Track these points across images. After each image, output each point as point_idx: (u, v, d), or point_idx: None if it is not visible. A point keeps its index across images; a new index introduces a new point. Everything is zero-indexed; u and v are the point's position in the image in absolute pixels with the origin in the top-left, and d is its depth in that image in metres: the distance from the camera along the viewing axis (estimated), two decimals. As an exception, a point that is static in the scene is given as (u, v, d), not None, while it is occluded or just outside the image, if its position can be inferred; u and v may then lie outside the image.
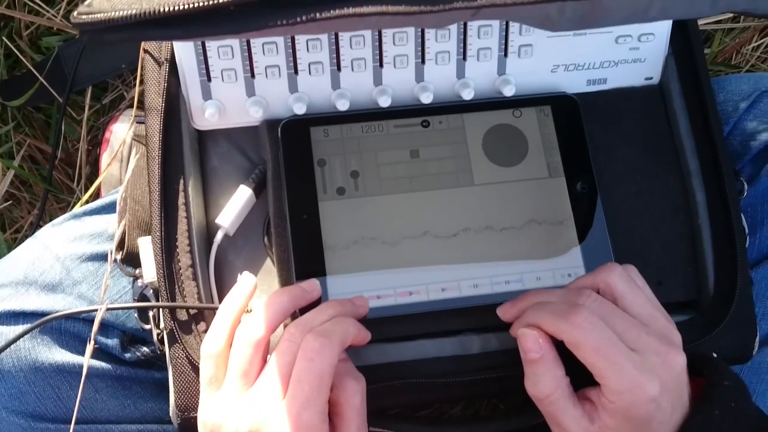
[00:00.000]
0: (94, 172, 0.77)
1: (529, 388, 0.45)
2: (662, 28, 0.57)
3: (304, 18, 0.27)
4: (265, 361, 0.44)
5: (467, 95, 0.55)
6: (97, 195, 0.67)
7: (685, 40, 0.57)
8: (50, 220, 0.79)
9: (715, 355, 0.48)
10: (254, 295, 0.51)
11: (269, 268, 0.53)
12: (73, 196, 0.78)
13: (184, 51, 0.52)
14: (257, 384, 0.43)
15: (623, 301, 0.46)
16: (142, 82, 0.53)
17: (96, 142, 0.77)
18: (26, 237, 0.77)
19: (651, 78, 0.58)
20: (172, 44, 0.53)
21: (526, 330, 0.45)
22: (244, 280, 0.48)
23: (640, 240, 0.55)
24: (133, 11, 0.27)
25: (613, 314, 0.45)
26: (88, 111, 0.75)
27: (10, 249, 0.76)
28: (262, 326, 0.44)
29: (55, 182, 0.78)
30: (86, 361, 0.43)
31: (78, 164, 0.76)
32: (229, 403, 0.43)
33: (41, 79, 0.71)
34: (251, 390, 0.43)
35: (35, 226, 0.74)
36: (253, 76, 0.53)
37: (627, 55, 0.57)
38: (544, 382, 0.44)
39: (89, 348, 0.42)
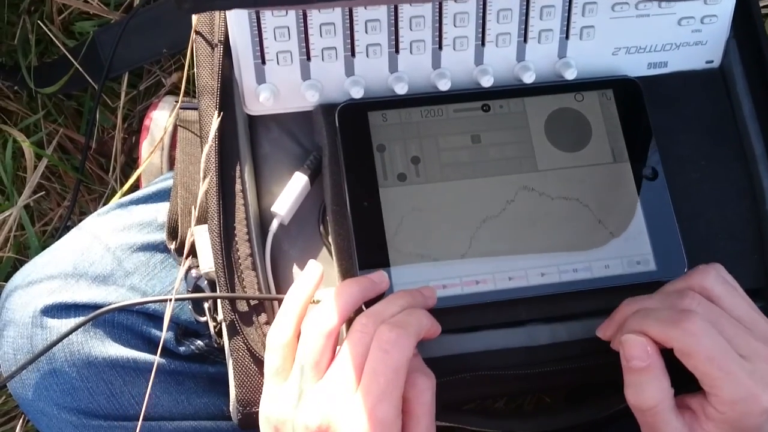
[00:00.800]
0: (129, 162, 0.75)
1: (630, 398, 0.43)
2: (725, 10, 0.55)
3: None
4: (335, 353, 0.43)
5: (528, 78, 0.53)
6: (136, 185, 0.65)
7: (748, 23, 0.56)
8: (80, 212, 0.78)
9: None
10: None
11: (326, 258, 0.52)
12: (107, 187, 0.76)
13: (239, 32, 0.50)
14: (327, 376, 0.41)
15: (723, 303, 0.44)
16: (190, 65, 0.51)
17: (131, 131, 0.75)
18: (56, 230, 0.75)
19: (712, 61, 0.57)
20: (225, 26, 0.51)
21: (632, 336, 0.43)
22: (311, 268, 0.46)
23: (706, 226, 0.54)
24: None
25: (722, 319, 0.43)
26: (124, 98, 0.73)
27: (39, 242, 0.74)
28: (333, 316, 0.42)
29: (87, 172, 0.76)
30: (157, 358, 0.41)
31: (113, 154, 0.74)
32: (297, 396, 0.41)
33: (76, 64, 0.69)
34: (321, 382, 0.41)
35: (66, 218, 0.72)
36: (309, 58, 0.51)
37: (689, 38, 0.55)
38: (650, 392, 0.42)
39: (162, 340, 0.41)
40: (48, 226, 0.78)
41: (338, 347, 0.43)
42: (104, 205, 0.71)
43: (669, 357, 0.43)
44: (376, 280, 0.46)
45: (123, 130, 0.74)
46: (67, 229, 0.63)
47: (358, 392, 0.40)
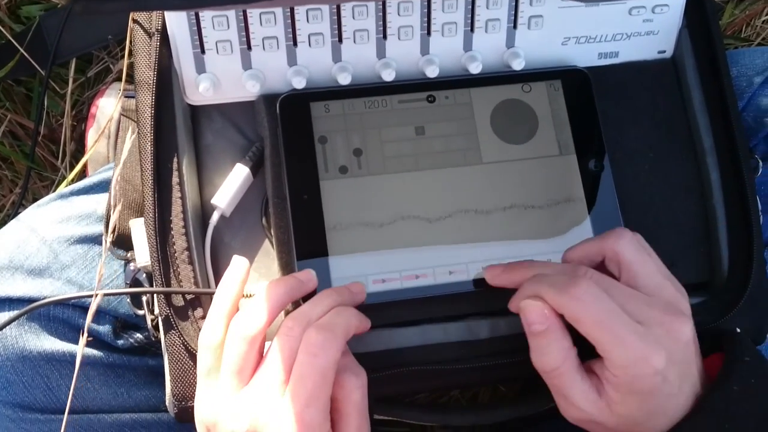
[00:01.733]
0: (79, 149, 0.73)
1: (535, 361, 0.44)
2: (677, 0, 0.54)
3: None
4: (261, 356, 0.42)
5: (475, 69, 0.52)
6: (83, 173, 0.64)
7: (700, 12, 0.55)
8: (33, 199, 0.76)
9: (739, 330, 0.46)
10: (252, 279, 0.49)
11: (268, 250, 0.51)
12: (58, 174, 0.74)
13: (177, 21, 0.49)
14: (254, 381, 0.41)
15: (631, 268, 0.44)
16: (130, 54, 0.50)
17: (81, 117, 0.73)
18: (9, 217, 0.74)
19: (664, 51, 0.56)
20: (163, 14, 0.50)
21: (530, 301, 0.43)
22: (237, 264, 0.45)
23: (653, 219, 0.53)
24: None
25: (613, 287, 0.43)
26: (72, 84, 0.72)
27: (-8, 229, 0.73)
28: (257, 320, 0.42)
29: (38, 159, 0.75)
30: (80, 350, 0.40)
31: (62, 140, 0.73)
32: (225, 400, 0.41)
33: (21, 50, 0.68)
34: (248, 387, 0.41)
35: (18, 206, 0.71)
36: (249, 48, 0.50)
37: (640, 28, 0.55)
38: (552, 354, 0.43)
39: (83, 338, 0.40)
40: (0, 212, 0.77)
41: (267, 346, 0.43)
42: (55, 191, 0.70)
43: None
44: (304, 279, 0.45)
45: (72, 117, 0.72)
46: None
47: (285, 397, 0.40)
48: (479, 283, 0.49)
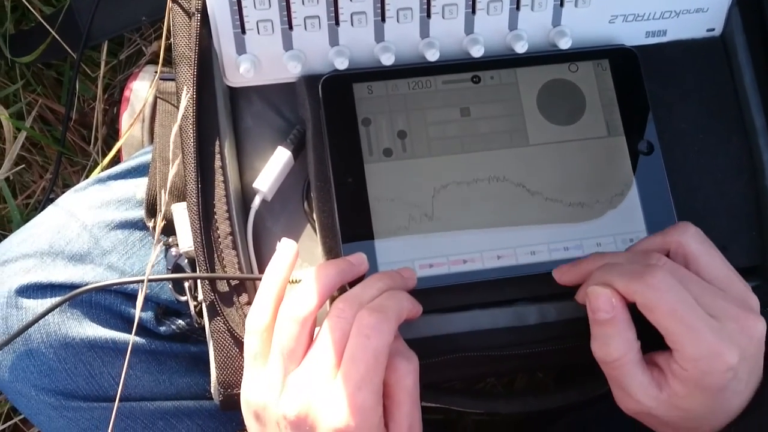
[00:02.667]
0: (111, 134, 0.73)
1: (596, 350, 0.43)
2: (727, -25, 0.53)
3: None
4: (312, 339, 0.41)
5: (520, 48, 0.51)
6: (117, 158, 0.64)
7: (752, -12, 0.54)
8: (64, 185, 0.76)
9: None
10: (296, 264, 0.48)
11: (309, 235, 0.50)
12: (89, 159, 0.74)
13: (218, 1, 0.48)
14: (305, 363, 0.40)
15: (698, 263, 0.43)
16: (168, 35, 0.49)
17: (112, 101, 0.72)
18: (38, 203, 0.74)
19: (713, 30, 0.54)
20: (203, -7, 0.48)
21: (597, 288, 0.42)
22: (285, 247, 0.44)
23: (703, 202, 0.52)
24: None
25: (688, 277, 0.42)
26: (104, 67, 0.71)
27: (22, 216, 0.73)
28: (308, 302, 0.41)
29: (69, 144, 0.74)
30: (132, 339, 0.40)
31: (94, 125, 0.72)
32: (275, 384, 0.40)
33: (53, 32, 0.67)
34: (299, 369, 0.40)
35: (49, 191, 0.70)
36: (291, 28, 0.49)
37: (689, 5, 0.53)
38: (615, 344, 0.42)
39: (135, 322, 0.39)
40: (31, 199, 0.76)
41: (317, 330, 0.42)
42: (87, 177, 0.69)
43: (638, 314, 0.42)
44: (355, 262, 0.44)
45: (104, 101, 0.72)
46: (50, 201, 0.62)
47: (337, 379, 0.39)
48: (527, 268, 0.48)
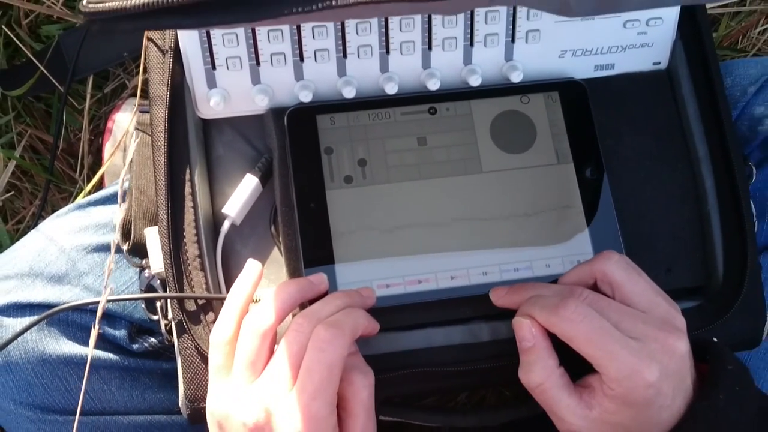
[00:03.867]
0: (97, 162, 0.76)
1: (522, 377, 0.46)
2: (671, 13, 0.56)
3: (320, 6, 0.26)
4: (272, 352, 0.44)
5: (475, 81, 0.54)
6: (100, 185, 0.67)
7: (694, 25, 0.57)
8: (53, 211, 0.79)
9: (716, 339, 0.47)
10: (262, 285, 0.51)
11: (277, 257, 0.53)
12: (76, 186, 0.77)
13: (189, 39, 0.51)
14: (264, 374, 0.43)
15: (622, 289, 0.46)
16: (145, 70, 0.52)
17: (98, 132, 0.76)
18: (28, 228, 0.77)
19: (659, 63, 0.58)
20: (176, 32, 0.52)
21: (520, 318, 0.46)
22: (250, 267, 0.47)
23: (649, 226, 0.55)
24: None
25: (608, 306, 0.45)
26: (89, 100, 0.74)
27: (12, 240, 0.76)
28: (269, 316, 0.44)
29: (57, 172, 0.78)
30: (90, 350, 0.42)
31: (80, 154, 0.75)
32: (236, 393, 0.43)
33: (42, 68, 0.71)
34: (258, 380, 0.43)
35: (38, 217, 0.73)
36: (258, 63, 0.52)
37: (635, 40, 0.56)
38: (536, 371, 0.45)
39: (92, 338, 0.42)
40: (21, 224, 0.79)
41: (277, 345, 0.45)
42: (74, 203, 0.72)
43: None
44: (315, 282, 0.47)
45: (90, 132, 0.75)
46: (38, 227, 0.65)
47: (293, 389, 0.41)
48: (480, 288, 0.51)
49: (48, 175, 0.73)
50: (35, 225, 0.72)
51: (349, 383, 0.43)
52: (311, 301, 0.48)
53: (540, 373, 0.44)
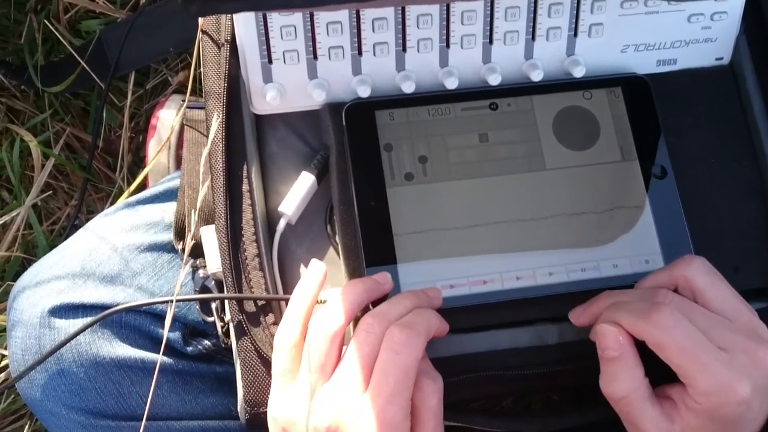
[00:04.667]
0: (136, 161, 0.75)
1: (604, 388, 0.43)
2: (735, 7, 0.55)
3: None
4: (340, 354, 0.43)
5: (536, 76, 0.53)
6: (143, 184, 0.65)
7: (758, 19, 0.55)
8: (88, 211, 0.78)
9: None
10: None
11: (332, 257, 0.51)
12: (114, 186, 0.76)
13: (246, 31, 0.50)
14: (334, 377, 0.41)
15: (705, 295, 0.44)
16: (197, 65, 0.51)
17: (138, 129, 0.75)
18: (63, 229, 0.76)
19: (721, 58, 0.56)
20: (233, 24, 0.51)
21: (605, 326, 0.43)
22: (315, 267, 0.46)
23: (716, 225, 0.53)
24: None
25: (696, 311, 0.43)
26: (130, 97, 0.73)
27: (47, 241, 0.74)
28: (338, 318, 0.42)
29: (95, 172, 0.76)
30: (160, 355, 0.41)
31: (120, 152, 0.74)
32: (304, 398, 0.41)
33: (83, 63, 0.69)
34: (328, 384, 0.41)
35: (74, 217, 0.72)
36: (315, 57, 0.51)
37: (699, 35, 0.55)
38: (622, 382, 0.42)
39: (164, 340, 0.41)
40: (56, 225, 0.78)
41: (345, 347, 0.43)
42: (111, 204, 0.71)
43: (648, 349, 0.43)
44: (381, 281, 0.46)
45: (130, 129, 0.74)
46: (75, 228, 0.63)
47: (367, 393, 0.40)
48: (546, 288, 0.49)
49: (86, 174, 0.72)
50: (71, 226, 0.71)
51: (418, 389, 0.41)
52: (375, 303, 0.46)
53: (626, 385, 0.42)
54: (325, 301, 0.47)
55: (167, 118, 0.66)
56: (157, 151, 0.63)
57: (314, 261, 0.46)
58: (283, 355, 0.43)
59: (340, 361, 0.42)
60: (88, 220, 0.59)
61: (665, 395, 0.43)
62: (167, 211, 0.56)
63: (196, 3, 0.25)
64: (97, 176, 0.77)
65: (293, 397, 0.42)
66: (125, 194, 0.59)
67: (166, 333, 0.43)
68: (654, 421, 0.42)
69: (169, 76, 0.74)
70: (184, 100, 0.58)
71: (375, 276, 0.46)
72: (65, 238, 0.58)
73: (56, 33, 0.72)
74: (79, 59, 0.70)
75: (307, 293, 0.44)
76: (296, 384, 0.42)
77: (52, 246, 0.69)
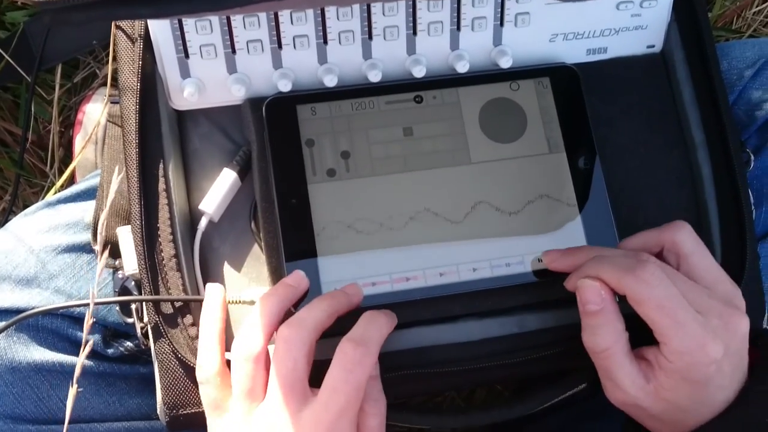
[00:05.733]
0: (68, 155, 0.73)
1: (586, 341, 0.44)
2: (665, -7, 0.54)
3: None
4: (268, 373, 0.42)
5: (462, 68, 0.52)
6: (71, 180, 0.64)
7: (689, 6, 0.55)
8: (24, 206, 0.76)
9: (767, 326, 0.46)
10: (243, 285, 0.49)
11: (257, 254, 0.51)
12: (47, 181, 0.74)
13: (159, 27, 0.48)
14: (269, 397, 0.41)
15: (689, 260, 0.45)
16: (114, 60, 0.50)
17: (68, 123, 0.73)
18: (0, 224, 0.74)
19: (653, 46, 0.56)
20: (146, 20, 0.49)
21: (587, 281, 0.44)
22: (211, 293, 0.46)
23: (644, 215, 0.53)
24: (101, -13, 0.23)
25: (675, 275, 0.44)
26: (59, 90, 0.71)
27: (-18, 237, 0.72)
28: (256, 338, 0.42)
29: (27, 166, 0.75)
30: (80, 361, 0.40)
31: (50, 147, 0.72)
32: (241, 424, 0.41)
33: (6, 56, 0.67)
34: (263, 405, 0.41)
35: (8, 212, 0.71)
36: (234, 51, 0.50)
37: (628, 23, 0.54)
38: (604, 334, 0.43)
39: (84, 344, 0.40)
40: (-9, 220, 0.76)
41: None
42: (45, 198, 0.69)
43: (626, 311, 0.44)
44: (293, 283, 0.45)
45: (60, 123, 0.72)
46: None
47: (312, 407, 0.40)
48: (470, 284, 0.49)
49: (18, 169, 0.70)
50: (5, 221, 0.69)
51: (362, 411, 0.42)
52: (296, 304, 0.46)
53: (608, 338, 0.43)
54: (253, 302, 0.46)
55: (94, 112, 0.64)
56: (82, 146, 0.61)
57: (209, 285, 0.46)
58: (208, 387, 0.43)
59: (269, 381, 0.41)
60: (23, 214, 0.57)
61: (641, 356, 0.44)
62: (87, 210, 0.55)
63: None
64: (30, 171, 0.75)
65: (229, 426, 0.42)
66: (52, 191, 0.58)
67: (85, 336, 0.42)
68: (631, 376, 0.43)
69: (96, 68, 0.72)
70: (108, 94, 0.57)
71: (286, 279, 0.46)
72: None
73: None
74: (2, 52, 0.68)
75: (212, 319, 0.44)
76: (230, 413, 0.42)
77: (-14, 243, 0.67)
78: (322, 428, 0.39)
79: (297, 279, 0.45)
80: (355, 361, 0.40)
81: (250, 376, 0.41)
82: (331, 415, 0.40)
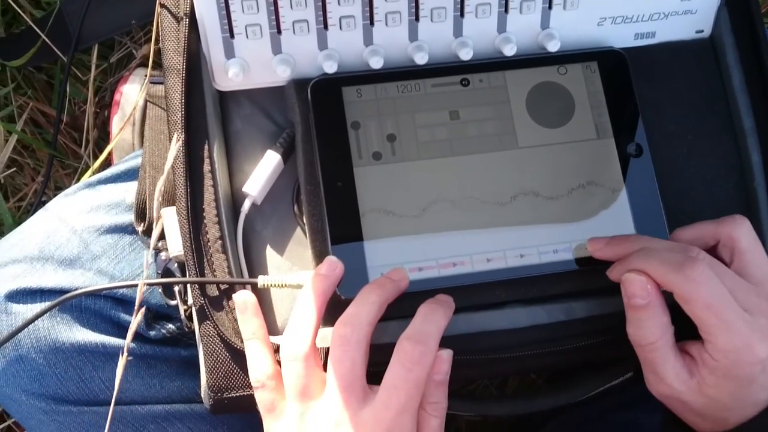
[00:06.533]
0: (103, 137, 0.72)
1: (631, 334, 0.44)
2: (716, -23, 0.53)
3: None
4: (322, 366, 0.42)
5: (509, 51, 0.51)
6: (108, 161, 0.64)
7: (740, -11, 0.54)
8: (56, 188, 0.76)
9: None
10: (285, 269, 0.48)
11: (300, 238, 0.50)
12: (80, 162, 0.74)
13: (206, 5, 0.48)
14: (327, 394, 0.41)
15: (744, 257, 0.44)
16: (157, 39, 0.49)
17: (103, 104, 0.72)
18: (30, 205, 0.74)
19: (702, 31, 0.54)
20: (191, -3, 0.48)
21: (632, 275, 0.43)
22: (242, 302, 0.45)
23: (692, 202, 0.52)
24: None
25: (726, 273, 0.43)
26: (94, 70, 0.71)
27: (14, 218, 0.73)
28: (304, 337, 0.42)
29: (60, 147, 0.74)
30: (127, 343, 0.40)
31: (85, 128, 0.72)
32: (298, 424, 0.41)
33: (43, 36, 0.67)
34: (320, 402, 0.41)
35: (41, 194, 0.70)
36: (279, 32, 0.49)
37: (678, 7, 0.53)
38: (650, 328, 0.43)
39: (132, 325, 0.40)
40: (23, 201, 0.76)
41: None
42: (78, 180, 0.69)
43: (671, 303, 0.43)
44: (327, 272, 0.44)
45: (95, 104, 0.71)
46: (42, 204, 0.62)
47: (374, 405, 0.40)
48: (517, 270, 0.48)
49: (51, 150, 0.70)
50: (38, 202, 0.69)
51: (423, 409, 0.42)
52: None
53: (654, 331, 0.42)
54: (300, 285, 0.46)
55: (131, 93, 0.64)
56: (120, 127, 0.61)
57: (240, 294, 0.45)
58: (264, 392, 0.43)
59: (327, 381, 0.41)
60: (55, 195, 0.57)
61: (685, 350, 0.43)
62: (129, 191, 0.54)
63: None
64: (63, 152, 0.75)
65: (284, 428, 0.42)
66: (88, 173, 0.57)
67: (135, 318, 0.42)
68: (675, 370, 0.42)
69: (133, 49, 0.71)
70: (147, 75, 0.56)
71: (319, 269, 0.45)
72: (32, 215, 0.56)
73: (14, 5, 0.69)
74: (39, 32, 0.67)
75: (252, 327, 0.44)
76: (285, 415, 0.42)
77: (18, 222, 0.67)
78: (383, 426, 0.39)
79: (331, 267, 0.45)
80: (414, 359, 0.40)
81: (302, 375, 0.41)
82: (391, 413, 0.40)
